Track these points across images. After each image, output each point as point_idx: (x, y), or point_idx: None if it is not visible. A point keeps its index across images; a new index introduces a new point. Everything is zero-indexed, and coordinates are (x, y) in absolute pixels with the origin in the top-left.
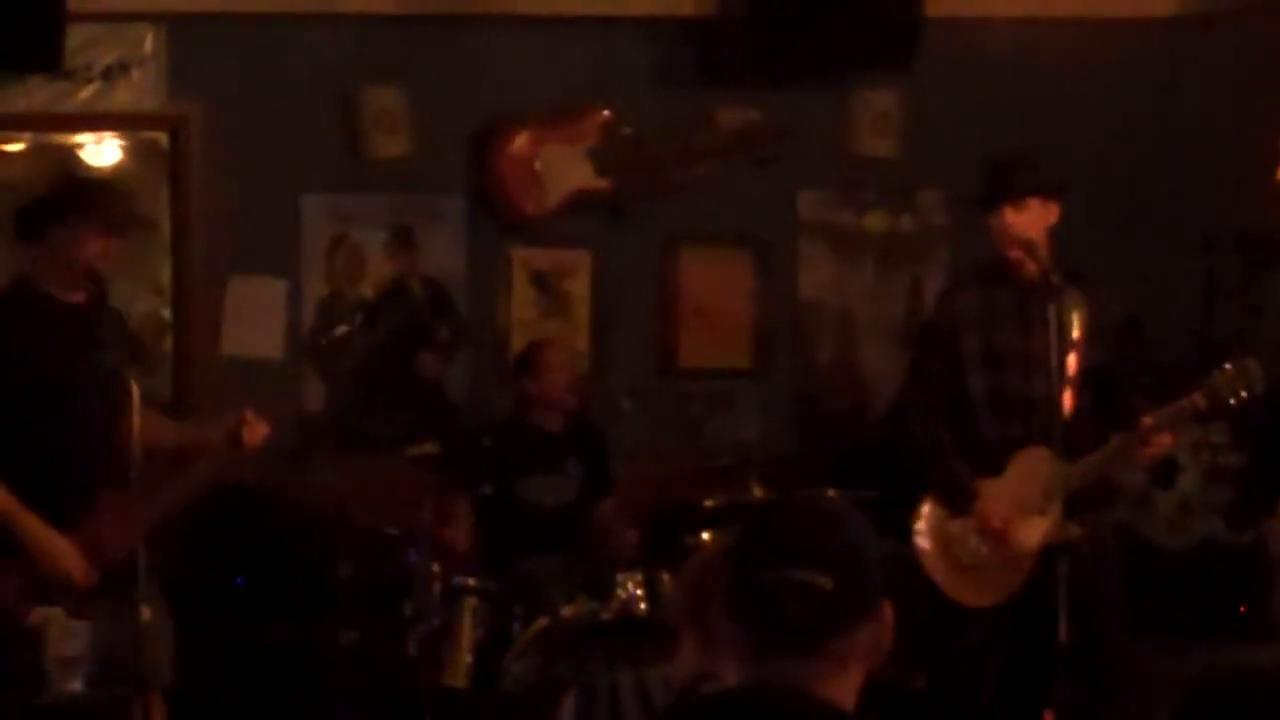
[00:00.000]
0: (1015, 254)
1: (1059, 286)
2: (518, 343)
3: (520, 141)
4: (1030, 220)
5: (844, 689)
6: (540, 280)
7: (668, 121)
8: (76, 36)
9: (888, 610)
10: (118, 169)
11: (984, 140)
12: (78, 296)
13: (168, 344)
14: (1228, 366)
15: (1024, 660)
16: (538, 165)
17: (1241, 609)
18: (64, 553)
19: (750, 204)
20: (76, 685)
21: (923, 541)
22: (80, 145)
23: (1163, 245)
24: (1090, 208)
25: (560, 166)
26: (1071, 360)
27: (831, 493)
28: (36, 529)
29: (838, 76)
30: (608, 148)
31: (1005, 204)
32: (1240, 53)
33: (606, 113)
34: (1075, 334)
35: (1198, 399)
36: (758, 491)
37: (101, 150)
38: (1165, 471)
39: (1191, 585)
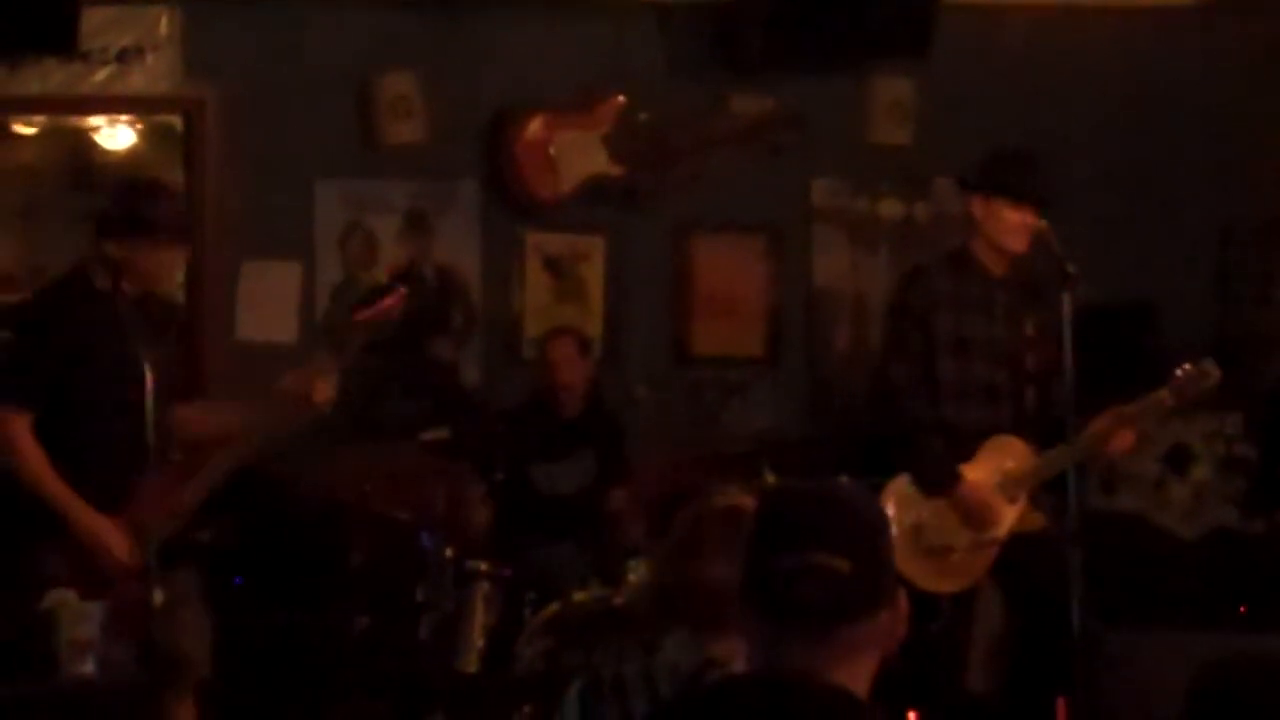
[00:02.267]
0: (1014, 244)
1: (1072, 278)
2: (531, 328)
3: (535, 127)
4: (1027, 220)
5: (858, 676)
6: (554, 266)
7: (683, 108)
8: (92, 19)
9: (902, 598)
10: (132, 152)
11: (999, 128)
12: (129, 286)
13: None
14: (1188, 366)
15: (1035, 649)
16: (552, 151)
17: (1241, 609)
18: (111, 536)
19: (765, 191)
20: (88, 668)
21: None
22: (95, 128)
23: (1178, 234)
24: (1105, 196)
25: (575, 152)
26: (1036, 352)
27: (845, 480)
28: (84, 514)
29: (853, 64)
30: (622, 134)
31: (1006, 198)
32: (1258, 41)
33: (621, 99)
34: (1034, 329)
35: (1164, 396)
36: (771, 479)
37: (116, 133)
38: (1179, 460)
39: (1205, 573)
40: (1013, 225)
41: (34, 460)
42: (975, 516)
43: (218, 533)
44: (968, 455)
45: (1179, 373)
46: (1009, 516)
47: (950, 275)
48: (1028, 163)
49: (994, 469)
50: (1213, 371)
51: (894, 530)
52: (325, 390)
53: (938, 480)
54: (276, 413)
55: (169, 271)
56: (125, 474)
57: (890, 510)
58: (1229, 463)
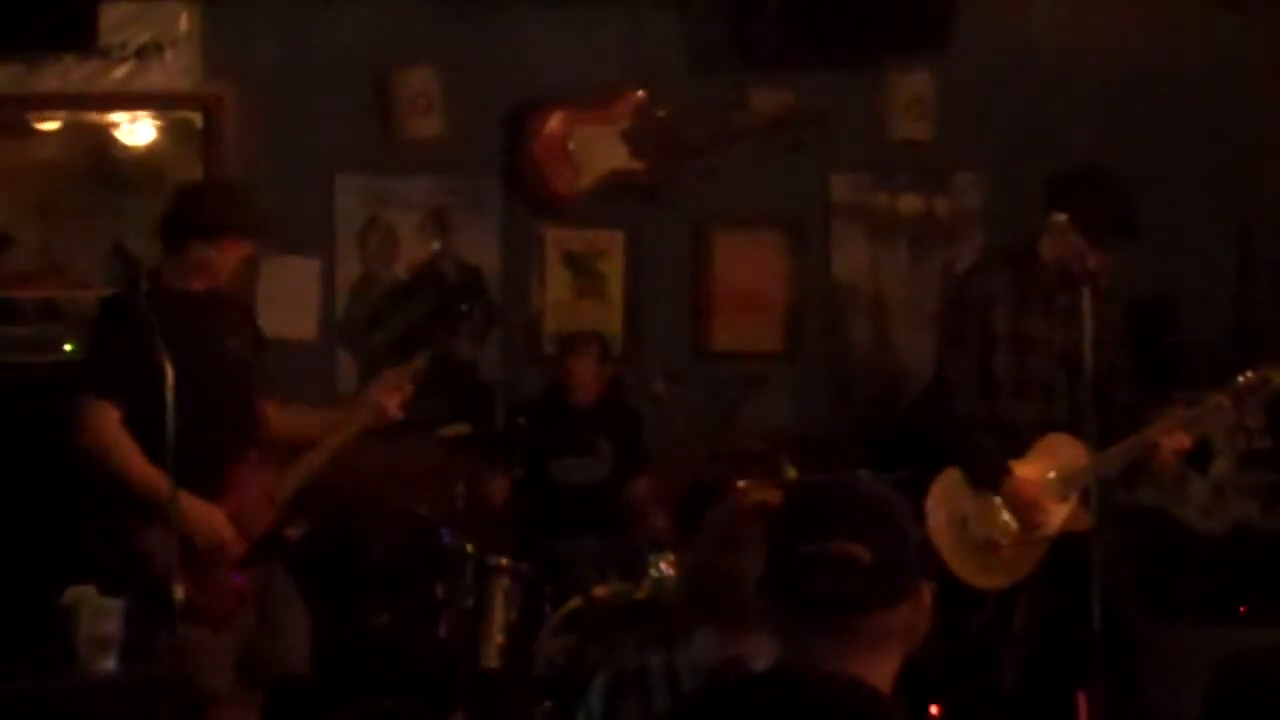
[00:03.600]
0: (1074, 269)
1: (1091, 275)
2: (551, 324)
3: (554, 123)
4: (1097, 259)
5: (881, 670)
6: (573, 261)
7: (702, 103)
8: (111, 15)
9: (926, 592)
10: (151, 149)
11: (1019, 123)
12: (199, 284)
13: None
14: (1250, 373)
15: (1056, 644)
16: (571, 146)
17: (1241, 610)
18: (217, 521)
19: (784, 186)
20: (109, 664)
21: (935, 519)
22: (114, 125)
23: (1200, 229)
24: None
25: (594, 148)
26: (1094, 352)
27: (865, 474)
28: (183, 498)
29: (872, 59)
30: (642, 129)
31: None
32: None
33: (641, 94)
34: (1097, 327)
35: (1223, 400)
36: (790, 474)
37: (135, 130)
38: (1200, 455)
39: (1225, 568)
40: (1080, 256)
41: (127, 450)
42: (1024, 512)
43: (307, 531)
44: (1020, 452)
45: (1241, 379)
46: (1058, 515)
47: (1011, 271)
48: (1119, 199)
49: (1046, 467)
50: (1276, 379)
51: (940, 522)
52: (400, 402)
53: (988, 475)
54: (358, 421)
55: (229, 269)
56: (219, 466)
57: (937, 502)
58: (1250, 457)
